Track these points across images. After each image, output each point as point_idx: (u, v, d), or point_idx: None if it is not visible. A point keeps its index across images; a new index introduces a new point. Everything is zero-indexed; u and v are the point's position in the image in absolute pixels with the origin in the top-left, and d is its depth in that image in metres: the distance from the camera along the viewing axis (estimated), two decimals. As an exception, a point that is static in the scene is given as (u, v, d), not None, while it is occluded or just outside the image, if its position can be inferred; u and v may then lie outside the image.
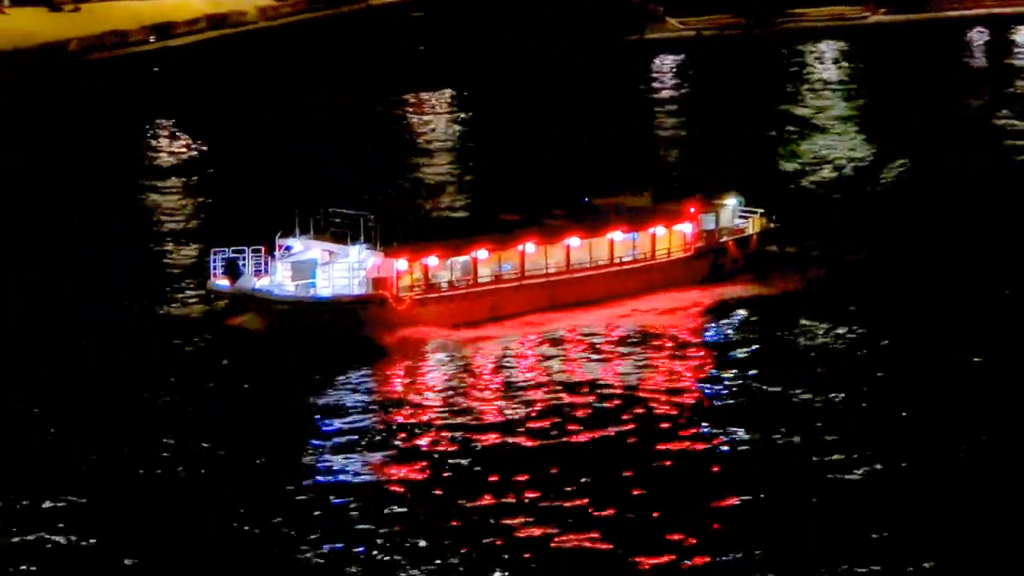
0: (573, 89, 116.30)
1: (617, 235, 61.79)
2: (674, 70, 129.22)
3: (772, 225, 66.39)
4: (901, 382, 53.09)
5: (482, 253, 59.20)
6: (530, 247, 59.95)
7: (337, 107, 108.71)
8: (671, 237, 63.18)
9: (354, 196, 74.63)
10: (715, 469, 45.85)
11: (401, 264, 57.61)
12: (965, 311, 60.74)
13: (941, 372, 54.31)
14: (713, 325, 60.01)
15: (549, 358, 56.12)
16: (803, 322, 59.36)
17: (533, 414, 50.00)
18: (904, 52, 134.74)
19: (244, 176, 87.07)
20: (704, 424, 49.23)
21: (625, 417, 49.39)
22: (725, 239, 64.46)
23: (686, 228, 63.36)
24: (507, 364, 55.72)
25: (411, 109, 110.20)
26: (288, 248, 58.63)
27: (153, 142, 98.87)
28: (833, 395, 51.34)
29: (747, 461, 46.37)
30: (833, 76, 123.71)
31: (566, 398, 51.52)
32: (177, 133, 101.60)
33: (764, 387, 52.41)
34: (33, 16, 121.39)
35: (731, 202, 65.59)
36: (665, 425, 48.96)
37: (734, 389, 52.57)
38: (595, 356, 56.28)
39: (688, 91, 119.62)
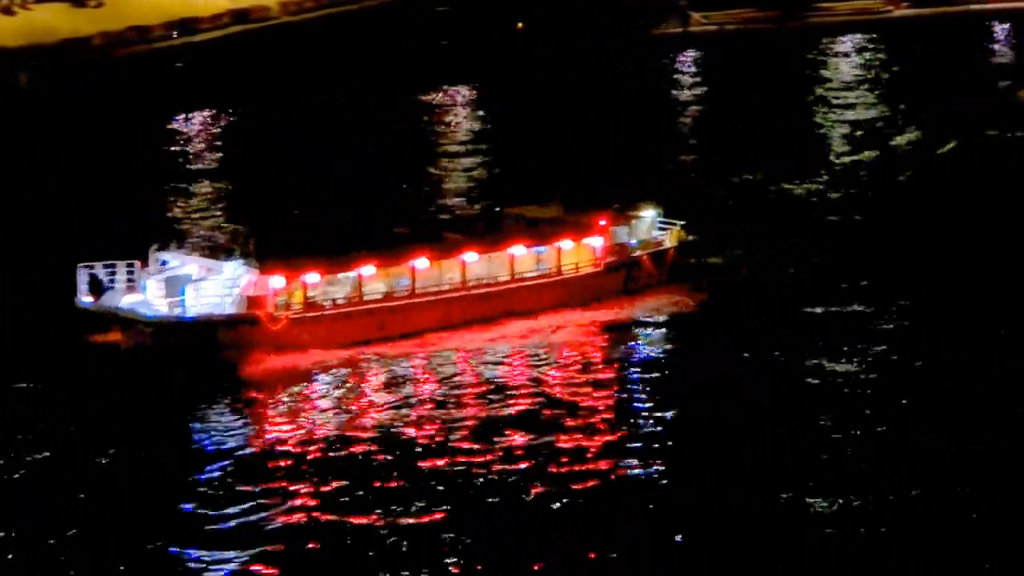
0: (584, 88, 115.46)
1: (518, 249, 59.18)
2: (686, 68, 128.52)
3: (691, 238, 63.92)
4: (815, 396, 51.47)
5: (368, 269, 56.78)
6: (421, 262, 57.45)
7: (341, 106, 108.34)
8: (579, 251, 60.58)
9: (329, 197, 76.33)
10: (617, 491, 43.97)
11: (277, 281, 54.76)
12: (889, 324, 58.88)
13: (861, 384, 52.50)
14: (622, 342, 57.59)
15: (439, 379, 53.74)
16: (719, 338, 57.17)
17: (418, 439, 47.77)
18: (925, 46, 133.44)
19: (255, 176, 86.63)
20: (603, 447, 47.05)
21: (521, 440, 47.40)
22: (639, 253, 61.96)
23: (596, 241, 60.80)
24: (393, 386, 53.09)
25: (425, 107, 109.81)
26: (164, 263, 55.98)
27: (172, 138, 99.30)
28: (746, 412, 49.69)
29: (655, 485, 44.50)
30: (847, 75, 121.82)
31: (451, 420, 49.29)
32: (192, 130, 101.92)
33: (675, 408, 50.34)
34: (56, 12, 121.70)
35: (648, 214, 63.14)
36: (566, 446, 46.96)
37: (641, 409, 50.51)
38: (490, 376, 53.94)
39: (681, 92, 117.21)
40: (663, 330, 58.81)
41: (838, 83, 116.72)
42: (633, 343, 57.66)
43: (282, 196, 79.61)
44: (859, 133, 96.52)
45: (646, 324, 59.14)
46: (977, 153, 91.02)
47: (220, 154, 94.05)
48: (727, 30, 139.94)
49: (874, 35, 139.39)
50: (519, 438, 47.57)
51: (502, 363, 55.20)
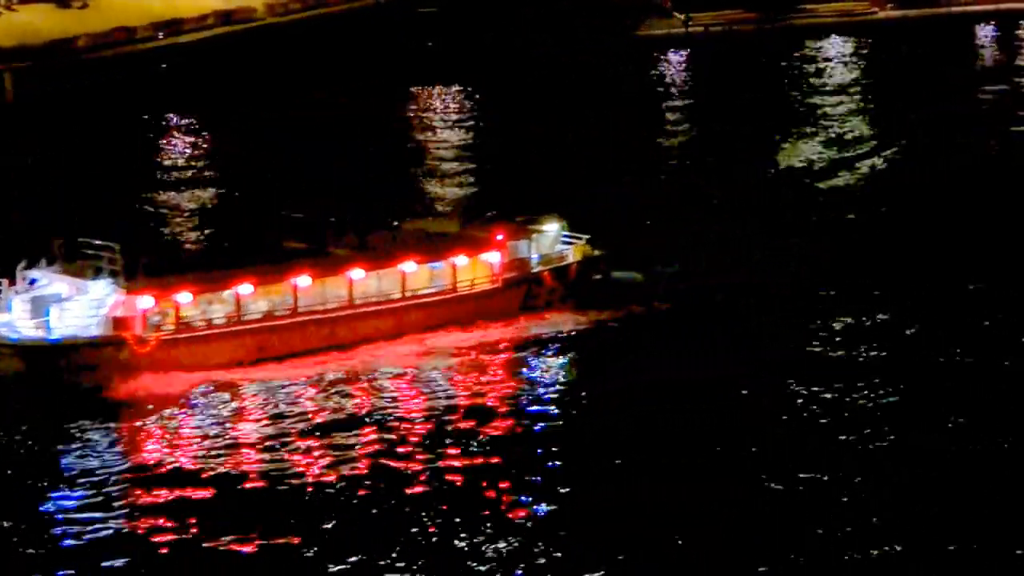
0: (568, 88, 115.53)
1: (409, 266, 56.63)
2: (672, 69, 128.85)
3: (597, 252, 61.13)
4: (719, 415, 49.96)
5: (245, 288, 53.75)
6: (304, 280, 54.61)
7: (336, 106, 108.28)
8: (475, 267, 57.97)
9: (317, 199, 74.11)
10: (515, 521, 42.35)
11: (146, 301, 52.02)
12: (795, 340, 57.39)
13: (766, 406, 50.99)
14: (518, 361, 55.32)
15: (324, 403, 51.11)
16: (624, 358, 55.21)
17: (299, 467, 45.60)
18: (911, 48, 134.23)
19: (241, 176, 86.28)
20: (499, 471, 45.32)
21: (413, 467, 45.40)
22: (540, 269, 59.43)
23: (493, 257, 58.14)
24: (273, 411, 50.16)
25: (412, 106, 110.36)
26: (33, 281, 52.70)
27: (158, 140, 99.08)
28: (645, 434, 47.95)
29: (558, 515, 42.94)
30: (831, 77, 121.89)
31: (336, 447, 47.04)
32: (177, 132, 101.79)
33: (576, 430, 48.54)
34: (41, 12, 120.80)
35: (551, 228, 60.52)
36: (460, 471, 45.26)
37: (540, 431, 48.53)
38: (380, 398, 51.56)
39: (661, 95, 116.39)
40: (563, 348, 56.33)
41: (821, 85, 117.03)
42: (531, 362, 55.17)
43: (233, 202, 79.26)
44: (841, 136, 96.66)
45: (545, 342, 56.61)
46: (965, 154, 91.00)
47: (183, 160, 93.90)
48: (712, 31, 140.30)
49: (859, 37, 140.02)
50: (411, 464, 45.44)
51: (392, 385, 52.68)
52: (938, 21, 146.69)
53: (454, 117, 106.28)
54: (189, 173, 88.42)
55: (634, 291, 60.74)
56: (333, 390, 52.06)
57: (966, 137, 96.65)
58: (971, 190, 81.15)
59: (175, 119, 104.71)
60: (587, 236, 61.12)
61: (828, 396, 50.70)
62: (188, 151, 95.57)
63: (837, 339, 56.53)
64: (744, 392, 51.42)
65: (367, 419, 49.50)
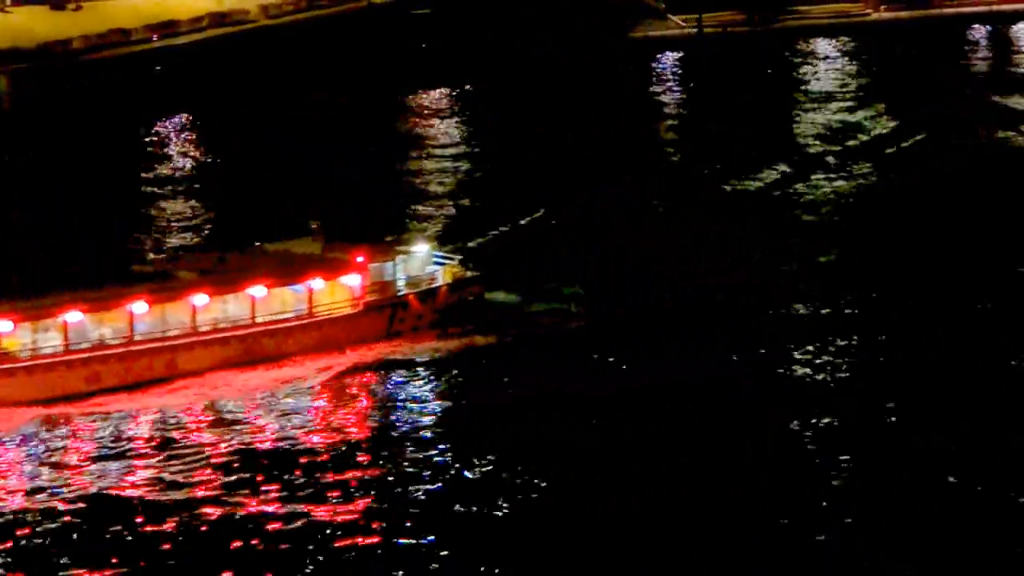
0: (569, 88, 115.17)
1: (259, 290, 53.17)
2: (666, 71, 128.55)
3: (469, 274, 58.46)
4: (606, 436, 48.14)
5: (74, 315, 49.88)
6: (140, 306, 50.89)
7: (335, 107, 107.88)
8: (334, 290, 54.81)
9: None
10: (376, 555, 40.41)
11: None
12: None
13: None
14: (379, 390, 52.20)
15: (165, 437, 47.59)
16: (491, 385, 51.89)
17: (135, 505, 42.57)
18: (904, 49, 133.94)
19: (239, 177, 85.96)
20: (363, 510, 42.62)
21: (263, 505, 42.71)
22: (406, 292, 56.36)
23: (353, 280, 55.06)
24: (106, 447, 46.85)
25: (409, 109, 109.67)
26: None
27: (150, 143, 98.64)
28: (517, 463, 45.60)
29: (430, 553, 40.83)
30: (824, 78, 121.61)
31: (179, 485, 43.93)
32: (172, 134, 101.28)
33: (445, 467, 45.62)
34: (35, 14, 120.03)
35: (419, 248, 57.93)
36: (315, 508, 42.49)
37: (406, 464, 45.70)
38: (227, 432, 47.95)
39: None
40: (427, 375, 53.20)
41: (814, 86, 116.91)
42: (392, 390, 52.02)
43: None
44: (832, 138, 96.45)
45: (408, 369, 53.46)
46: (959, 154, 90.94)
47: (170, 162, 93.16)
48: (706, 33, 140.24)
49: (852, 38, 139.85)
50: (256, 502, 42.70)
51: (242, 417, 49.19)
52: (931, 22, 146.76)
53: (440, 118, 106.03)
54: (173, 177, 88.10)
55: (512, 314, 57.88)
56: (173, 423, 48.46)
57: (960, 138, 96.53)
58: (964, 190, 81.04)
59: (170, 121, 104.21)
60: (459, 257, 58.86)
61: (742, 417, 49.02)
62: (177, 154, 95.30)
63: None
64: (633, 409, 49.56)
65: (210, 452, 46.13)
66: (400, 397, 51.26)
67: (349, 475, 44.40)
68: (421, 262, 57.63)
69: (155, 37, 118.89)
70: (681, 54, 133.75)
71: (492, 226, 71.00)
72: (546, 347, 55.24)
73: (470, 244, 66.63)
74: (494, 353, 54.52)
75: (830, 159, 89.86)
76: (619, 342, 55.63)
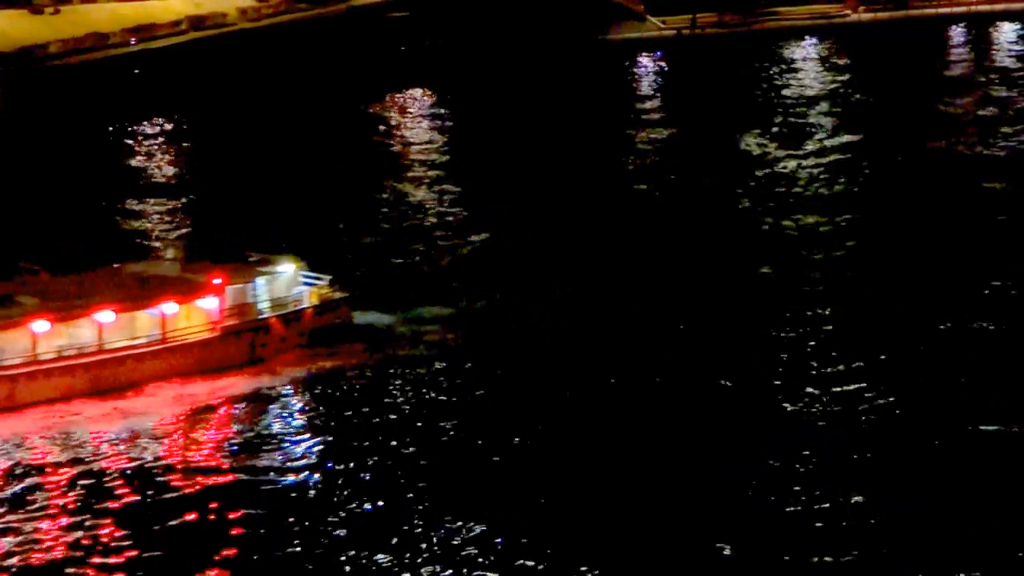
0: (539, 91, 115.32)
1: (107, 315, 49.63)
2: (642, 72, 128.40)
3: (338, 295, 55.34)
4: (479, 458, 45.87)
5: None
6: None
7: (313, 110, 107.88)
8: (189, 314, 51.43)
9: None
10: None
11: None
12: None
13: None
14: (237, 419, 48.98)
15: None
16: (358, 411, 49.07)
17: None
18: (884, 50, 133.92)
19: (202, 184, 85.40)
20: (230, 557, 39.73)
21: (116, 544, 39.92)
22: (268, 315, 53.09)
23: (210, 303, 51.69)
24: None
25: (389, 110, 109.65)
26: None
27: (124, 147, 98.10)
28: (384, 493, 43.38)
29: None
30: (804, 80, 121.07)
31: (18, 530, 40.55)
32: (146, 138, 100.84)
33: (296, 498, 43.04)
34: (12, 18, 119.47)
35: (284, 268, 54.27)
36: (175, 545, 40.02)
37: (251, 501, 42.74)
38: (74, 467, 44.56)
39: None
40: (291, 403, 50.09)
41: (794, 87, 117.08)
42: (252, 419, 48.77)
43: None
44: (809, 136, 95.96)
45: (270, 396, 50.33)
46: (936, 152, 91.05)
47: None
48: (685, 34, 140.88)
49: (832, 39, 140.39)
50: (101, 547, 39.79)
51: (90, 450, 45.77)
52: (910, 23, 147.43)
53: (420, 119, 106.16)
54: (137, 182, 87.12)
55: (384, 336, 54.97)
56: (9, 460, 45.02)
57: (940, 136, 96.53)
58: (942, 188, 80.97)
59: (148, 124, 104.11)
60: (328, 277, 55.69)
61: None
62: (145, 159, 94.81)
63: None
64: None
65: (51, 489, 43.03)
66: (260, 426, 48.03)
67: (204, 514, 41.65)
68: (286, 283, 54.05)
69: (133, 41, 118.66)
70: (659, 56, 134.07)
71: (374, 244, 69.22)
72: (419, 370, 52.28)
73: (347, 263, 64.22)
74: (363, 378, 51.58)
75: (801, 158, 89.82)
76: (494, 362, 53.40)
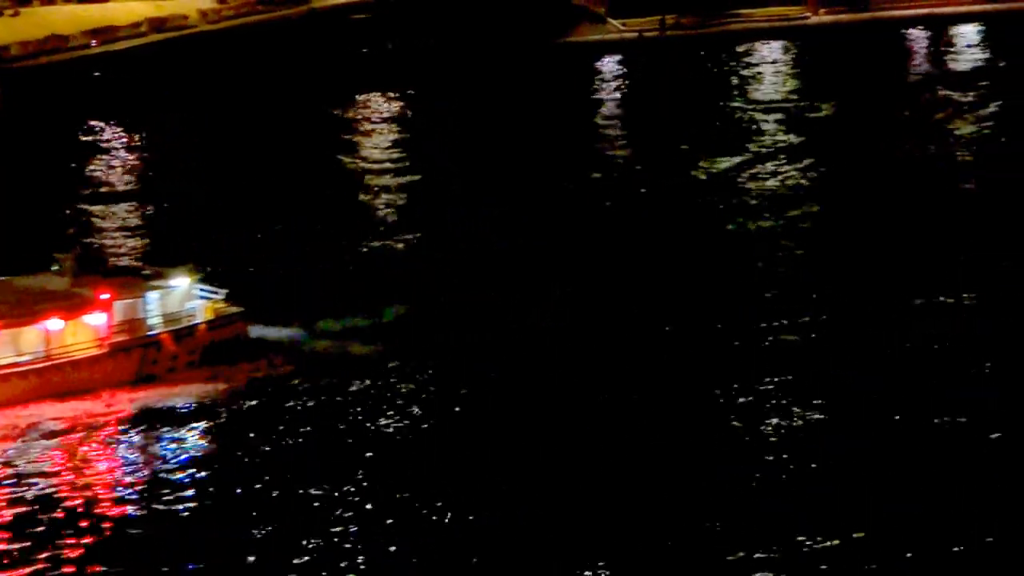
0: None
1: None
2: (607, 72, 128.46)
3: (233, 310, 54.19)
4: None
5: None
6: None
7: (270, 113, 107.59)
8: (75, 330, 49.93)
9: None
10: None
11: None
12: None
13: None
14: (125, 439, 47.56)
15: None
16: (255, 428, 47.94)
17: None
18: (843, 51, 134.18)
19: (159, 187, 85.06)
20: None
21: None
22: (159, 331, 51.88)
23: (96, 319, 50.36)
24: None
25: (348, 114, 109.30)
26: None
27: (83, 149, 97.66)
28: (279, 515, 42.51)
29: None
30: (765, 81, 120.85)
31: None
32: (105, 140, 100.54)
33: (184, 518, 42.05)
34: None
35: (178, 283, 53.13)
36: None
37: (136, 523, 41.76)
38: None
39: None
40: (181, 422, 48.71)
41: (754, 89, 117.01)
42: (140, 438, 47.51)
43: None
44: (768, 140, 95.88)
45: (160, 414, 49.05)
46: (892, 154, 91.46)
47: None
48: (646, 36, 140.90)
49: (792, 41, 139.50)
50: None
51: None
52: (870, 24, 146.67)
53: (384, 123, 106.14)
54: (96, 183, 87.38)
55: (282, 350, 53.91)
56: None
57: (897, 137, 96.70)
58: (898, 187, 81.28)
59: (106, 125, 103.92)
60: (225, 291, 54.79)
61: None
62: (105, 161, 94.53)
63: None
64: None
65: None
66: (148, 446, 46.87)
67: (87, 539, 40.56)
68: (180, 297, 52.86)
69: (94, 43, 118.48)
70: (620, 58, 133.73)
71: (280, 258, 68.23)
72: (319, 386, 51.18)
73: (249, 277, 63.65)
74: (258, 395, 50.31)
75: (761, 158, 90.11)
76: (394, 376, 52.51)
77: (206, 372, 51.50)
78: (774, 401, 49.51)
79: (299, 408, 49.14)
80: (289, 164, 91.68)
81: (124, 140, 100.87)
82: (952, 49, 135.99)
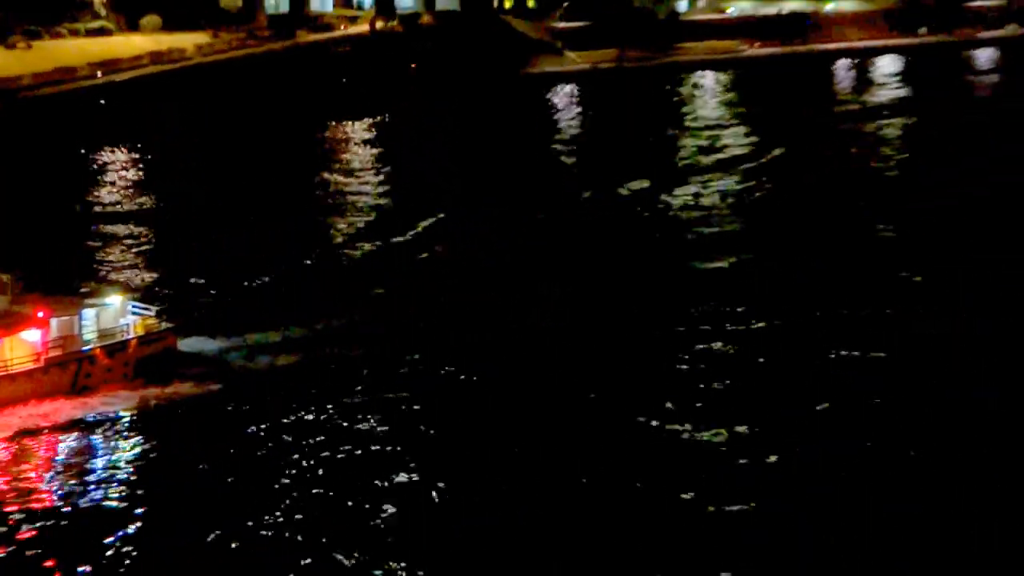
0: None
1: None
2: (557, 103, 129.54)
3: (163, 325, 53.99)
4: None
5: None
6: None
7: (255, 138, 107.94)
8: (12, 347, 49.85)
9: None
10: None
11: None
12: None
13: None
14: (58, 449, 46.50)
15: None
16: (186, 438, 47.18)
17: None
18: (776, 82, 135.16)
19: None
20: None
21: None
22: (92, 346, 51.72)
23: (32, 335, 50.39)
24: None
25: (328, 139, 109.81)
26: None
27: (91, 170, 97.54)
28: (212, 522, 40.62)
29: None
30: (705, 108, 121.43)
31: None
32: (111, 162, 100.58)
33: (119, 524, 40.42)
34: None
35: (113, 300, 53.45)
36: None
37: (74, 529, 40.25)
38: None
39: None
40: (116, 432, 47.96)
41: (694, 116, 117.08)
42: (75, 448, 46.65)
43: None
44: (706, 161, 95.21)
45: (93, 424, 48.29)
46: (819, 173, 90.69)
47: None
48: (600, 68, 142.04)
49: (729, 72, 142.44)
50: None
51: None
52: (801, 57, 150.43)
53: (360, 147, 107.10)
54: (103, 203, 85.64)
55: (212, 363, 53.74)
56: None
57: (825, 158, 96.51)
58: (825, 206, 79.91)
59: (111, 150, 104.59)
60: (156, 308, 54.90)
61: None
62: (110, 182, 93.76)
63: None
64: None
65: None
66: (79, 453, 46.19)
67: (25, 548, 39.26)
68: (113, 315, 52.95)
69: (99, 74, 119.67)
70: (576, 87, 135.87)
71: (219, 274, 66.98)
72: (247, 396, 50.16)
73: (183, 294, 63.33)
74: (189, 405, 49.90)
75: (699, 177, 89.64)
76: (322, 388, 51.08)
77: (138, 383, 51.38)
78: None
79: (224, 415, 48.70)
80: (259, 185, 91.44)
81: (120, 162, 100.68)
82: (872, 78, 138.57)
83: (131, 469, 44.55)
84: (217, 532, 39.65)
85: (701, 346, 53.47)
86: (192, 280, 65.93)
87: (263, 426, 47.41)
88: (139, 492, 42.61)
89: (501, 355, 53.66)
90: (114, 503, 41.90)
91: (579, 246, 71.84)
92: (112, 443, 46.96)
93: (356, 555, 38.48)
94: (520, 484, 42.11)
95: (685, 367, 51.54)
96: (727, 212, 78.45)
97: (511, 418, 47.37)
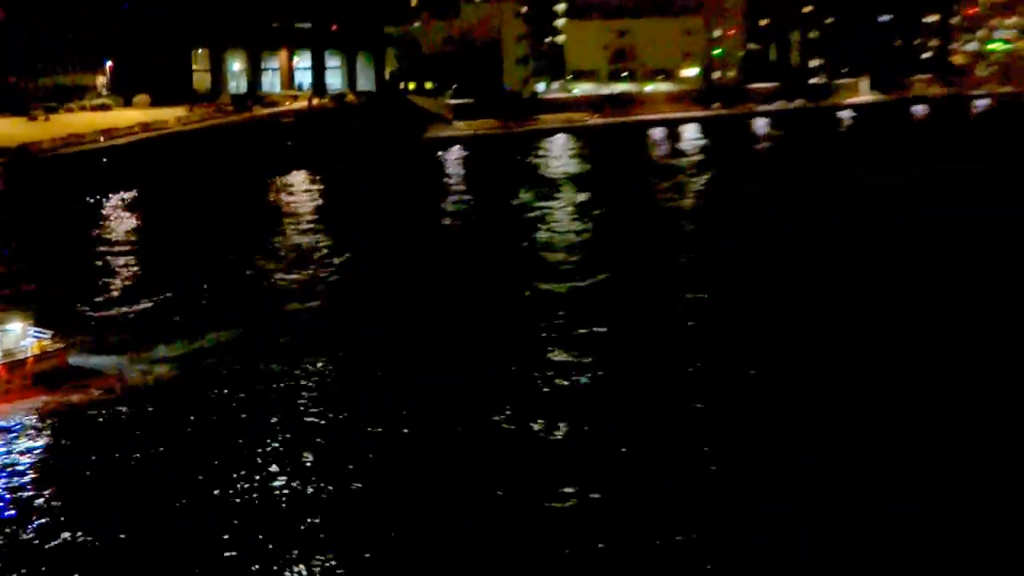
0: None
1: None
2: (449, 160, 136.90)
3: (58, 345, 55.06)
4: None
5: None
6: None
7: (224, 185, 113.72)
8: None
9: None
10: None
11: None
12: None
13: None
14: None
15: None
16: (71, 439, 47.29)
17: None
18: (611, 145, 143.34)
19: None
20: None
21: None
22: None
23: None
24: None
25: (272, 189, 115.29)
26: None
27: (98, 214, 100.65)
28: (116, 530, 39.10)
29: None
30: (555, 166, 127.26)
31: None
32: (112, 207, 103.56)
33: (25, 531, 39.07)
34: (14, 124, 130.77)
35: (14, 327, 54.82)
36: None
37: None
38: None
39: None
40: (10, 434, 48.01)
41: (550, 168, 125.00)
42: None
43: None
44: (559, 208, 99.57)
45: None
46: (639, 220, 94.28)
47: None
48: (480, 134, 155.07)
49: (576, 136, 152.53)
50: None
51: None
52: (628, 125, 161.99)
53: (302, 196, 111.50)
54: (108, 240, 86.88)
55: (99, 375, 54.68)
56: None
57: (637, 195, 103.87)
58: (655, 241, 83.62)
59: (114, 196, 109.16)
60: (51, 332, 55.65)
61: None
62: (114, 222, 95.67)
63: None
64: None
65: None
66: None
67: None
68: (15, 337, 54.48)
69: (102, 138, 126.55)
70: (462, 147, 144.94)
71: (119, 298, 66.77)
72: (133, 408, 50.14)
73: (84, 315, 64.01)
74: (75, 412, 50.05)
75: (557, 211, 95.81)
76: (217, 400, 51.06)
77: (35, 393, 53.06)
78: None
79: (110, 420, 48.82)
80: (209, 219, 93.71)
81: (110, 206, 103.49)
82: (679, 140, 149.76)
83: (23, 470, 43.91)
84: (122, 534, 37.92)
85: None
86: (98, 300, 66.70)
87: (142, 427, 47.61)
88: (28, 491, 41.84)
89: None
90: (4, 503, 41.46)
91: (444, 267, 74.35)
92: (7, 446, 47.08)
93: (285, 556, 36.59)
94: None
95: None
96: (562, 243, 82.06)
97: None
